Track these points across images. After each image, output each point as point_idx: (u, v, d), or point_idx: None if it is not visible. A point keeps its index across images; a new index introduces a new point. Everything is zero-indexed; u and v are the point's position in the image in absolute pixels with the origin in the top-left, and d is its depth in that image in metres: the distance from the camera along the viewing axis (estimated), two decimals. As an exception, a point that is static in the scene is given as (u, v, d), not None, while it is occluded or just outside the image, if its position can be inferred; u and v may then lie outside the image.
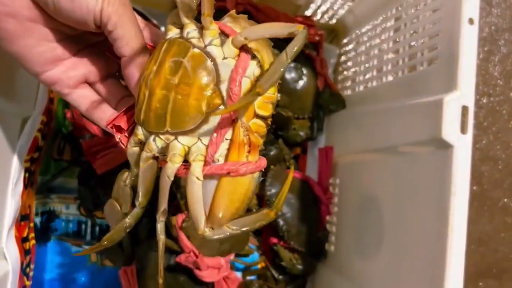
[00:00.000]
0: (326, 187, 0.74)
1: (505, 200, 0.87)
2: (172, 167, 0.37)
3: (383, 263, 0.58)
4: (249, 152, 0.38)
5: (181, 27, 0.38)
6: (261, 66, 0.38)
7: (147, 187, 0.40)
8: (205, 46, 0.37)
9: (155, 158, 0.39)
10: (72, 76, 0.41)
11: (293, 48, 0.35)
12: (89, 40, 0.42)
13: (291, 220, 0.70)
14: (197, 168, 0.37)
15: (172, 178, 0.38)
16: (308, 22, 0.72)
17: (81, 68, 0.41)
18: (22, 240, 0.60)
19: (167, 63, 0.36)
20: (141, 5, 0.69)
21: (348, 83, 0.75)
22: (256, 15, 0.69)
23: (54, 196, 0.71)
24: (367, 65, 0.69)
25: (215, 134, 0.37)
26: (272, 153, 0.72)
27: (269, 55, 0.39)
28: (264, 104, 0.38)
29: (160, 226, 0.40)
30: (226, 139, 0.38)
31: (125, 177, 0.41)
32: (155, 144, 0.38)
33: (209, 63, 0.36)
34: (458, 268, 0.44)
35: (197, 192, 0.37)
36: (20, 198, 0.58)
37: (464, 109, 0.45)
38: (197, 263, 0.64)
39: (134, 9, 0.69)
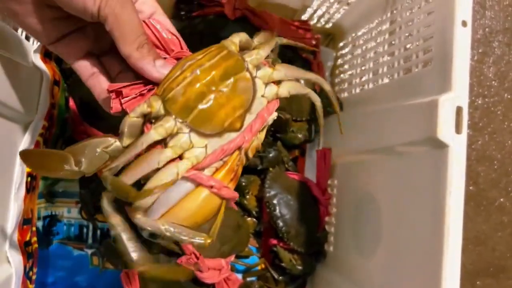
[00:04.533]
0: (325, 188, 0.75)
1: (501, 199, 0.88)
2: (170, 155, 0.38)
3: (381, 262, 0.59)
4: (231, 180, 0.40)
5: (244, 49, 0.42)
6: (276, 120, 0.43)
7: (128, 162, 0.38)
8: (255, 76, 0.40)
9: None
10: (76, 47, 0.43)
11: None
12: None
13: (290, 221, 0.70)
14: (184, 166, 0.38)
15: (161, 165, 0.37)
16: (304, 26, 0.73)
17: (85, 42, 0.43)
18: (24, 244, 0.61)
19: (221, 69, 0.38)
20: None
21: (345, 86, 0.76)
22: (253, 20, 0.70)
23: (56, 200, 0.71)
24: (363, 68, 0.70)
25: (220, 149, 0.39)
26: (271, 155, 0.73)
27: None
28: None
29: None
30: (222, 159, 0.39)
31: (109, 144, 0.39)
32: (172, 127, 0.38)
33: (251, 91, 0.39)
34: (454, 267, 0.45)
35: (164, 181, 0.37)
36: (23, 202, 0.59)
37: (459, 109, 0.46)
38: (198, 265, 0.64)
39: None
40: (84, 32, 0.43)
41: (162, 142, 0.39)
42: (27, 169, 0.60)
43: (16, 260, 0.58)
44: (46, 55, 0.62)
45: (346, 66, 0.77)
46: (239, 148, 0.40)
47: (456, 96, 0.46)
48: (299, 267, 0.72)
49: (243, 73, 0.39)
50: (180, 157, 0.38)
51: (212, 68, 0.38)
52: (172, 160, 0.38)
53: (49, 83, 0.62)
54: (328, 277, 0.73)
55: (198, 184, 0.38)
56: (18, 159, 0.58)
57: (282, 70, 0.43)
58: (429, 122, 0.47)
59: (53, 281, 0.69)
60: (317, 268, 0.75)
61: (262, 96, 0.41)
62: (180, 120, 0.38)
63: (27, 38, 0.58)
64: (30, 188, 0.62)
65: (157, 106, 0.38)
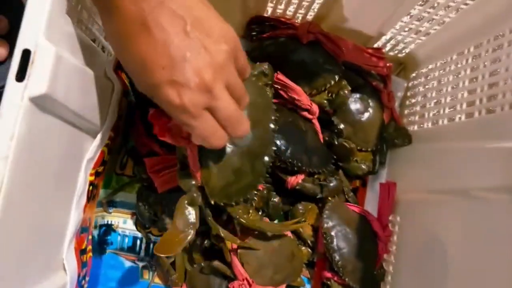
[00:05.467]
0: (386, 224, 0.71)
1: None
2: None
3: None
4: None
5: None
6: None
7: None
8: None
9: None
10: None
11: None
12: None
13: (347, 255, 0.67)
14: None
15: None
16: (378, 54, 0.71)
17: None
18: (80, 252, 0.61)
19: None
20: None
21: (416, 118, 0.72)
22: (326, 45, 0.68)
23: (113, 210, 0.72)
24: (437, 102, 0.67)
25: None
26: (331, 184, 0.70)
27: None
28: None
29: None
30: None
31: None
32: None
33: None
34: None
35: None
36: (83, 211, 0.59)
37: (550, 160, 0.43)
38: (249, 292, 0.62)
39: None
40: None
41: None
42: (90, 178, 0.61)
43: (71, 268, 0.58)
44: (118, 66, 0.63)
45: (418, 98, 0.73)
46: None
47: (548, 145, 0.43)
48: (353, 304, 0.68)
49: None
50: None
51: None
52: None
53: (119, 95, 0.63)
54: (382, 318, 0.69)
55: None
56: (83, 168, 0.58)
57: None
58: (514, 170, 0.44)
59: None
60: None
61: None
62: None
63: (103, 49, 0.59)
64: (90, 197, 0.62)
65: None
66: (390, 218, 0.72)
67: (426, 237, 0.62)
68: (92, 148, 0.59)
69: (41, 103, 0.42)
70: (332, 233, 0.68)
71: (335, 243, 0.67)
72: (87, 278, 0.64)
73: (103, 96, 0.59)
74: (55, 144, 0.49)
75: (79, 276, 0.61)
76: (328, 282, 0.69)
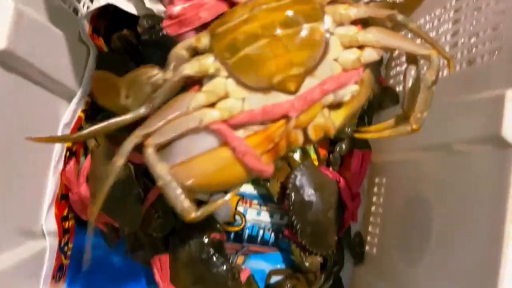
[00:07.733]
0: (356, 192, 0.69)
1: None
2: (201, 100, 0.33)
3: (430, 267, 0.54)
4: (267, 151, 0.33)
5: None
6: (353, 97, 0.34)
7: (166, 97, 0.35)
8: (332, 33, 0.33)
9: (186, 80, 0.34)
10: None
11: (433, 77, 0.37)
12: None
13: (308, 219, 0.65)
14: (211, 115, 0.32)
15: (191, 111, 0.33)
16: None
17: None
18: (62, 219, 0.61)
19: (287, 11, 0.31)
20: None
21: (401, 78, 0.71)
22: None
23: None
24: (421, 60, 0.65)
25: (261, 109, 0.32)
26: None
27: (366, 93, 0.36)
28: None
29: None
30: (264, 123, 0.33)
31: (152, 74, 0.35)
32: (209, 65, 0.32)
33: (320, 50, 0.32)
34: (512, 277, 0.41)
35: (183, 125, 0.32)
36: (60, 176, 0.59)
37: (529, 106, 0.42)
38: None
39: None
40: None
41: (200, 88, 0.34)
42: (67, 144, 0.60)
43: (51, 234, 0.58)
44: (95, 30, 0.61)
45: (403, 58, 0.72)
46: (287, 118, 0.32)
47: (526, 91, 0.41)
48: (306, 264, 0.67)
49: (315, 24, 0.32)
50: (213, 106, 0.33)
51: (278, 10, 0.31)
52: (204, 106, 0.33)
53: (95, 59, 0.62)
54: (369, 280, 0.69)
55: (223, 142, 0.33)
56: (59, 132, 0.57)
57: (374, 34, 0.34)
58: (494, 119, 0.43)
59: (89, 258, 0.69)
60: (356, 271, 0.71)
61: (335, 60, 0.33)
62: (220, 60, 0.32)
63: (76, 12, 0.57)
64: (68, 163, 0.61)
65: (205, 41, 0.34)
66: (376, 180, 0.72)
67: (411, 195, 0.61)
68: (68, 112, 0.58)
69: (2, 59, 0.41)
70: (297, 196, 0.65)
71: (297, 205, 0.65)
72: (70, 245, 0.64)
73: (77, 59, 0.58)
74: (24, 105, 0.48)
75: (60, 242, 0.60)
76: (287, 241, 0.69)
